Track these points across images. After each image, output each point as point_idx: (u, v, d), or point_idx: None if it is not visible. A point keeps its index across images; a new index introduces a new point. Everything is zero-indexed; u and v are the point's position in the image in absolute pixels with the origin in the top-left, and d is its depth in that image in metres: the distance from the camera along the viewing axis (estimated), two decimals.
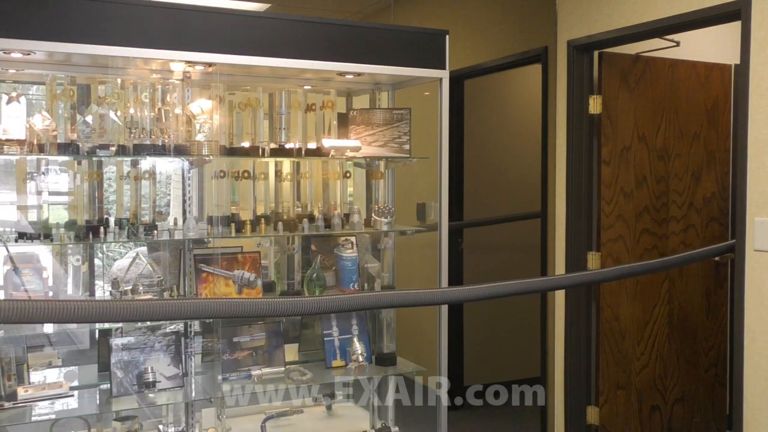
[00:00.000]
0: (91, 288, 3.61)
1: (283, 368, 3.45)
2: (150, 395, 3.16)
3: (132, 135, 3.05)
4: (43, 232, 2.96)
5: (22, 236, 2.93)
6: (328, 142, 3.44)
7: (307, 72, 3.37)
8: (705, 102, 4.21)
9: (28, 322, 1.74)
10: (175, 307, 2.23)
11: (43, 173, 3.10)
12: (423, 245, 4.21)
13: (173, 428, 3.35)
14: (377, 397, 3.80)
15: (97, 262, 4.44)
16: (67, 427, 3.09)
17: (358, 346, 3.55)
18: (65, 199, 3.19)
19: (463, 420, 5.10)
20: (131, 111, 3.11)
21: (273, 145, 3.38)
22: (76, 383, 3.22)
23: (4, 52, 2.78)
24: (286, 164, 3.53)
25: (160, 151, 3.09)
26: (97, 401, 3.21)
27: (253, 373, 3.34)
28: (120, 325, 3.14)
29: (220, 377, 3.32)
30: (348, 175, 3.65)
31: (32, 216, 3.10)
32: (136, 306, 2.04)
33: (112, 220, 3.16)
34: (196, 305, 2.32)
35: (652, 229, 4.07)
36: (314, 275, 3.50)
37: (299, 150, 3.42)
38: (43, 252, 3.11)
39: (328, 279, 3.54)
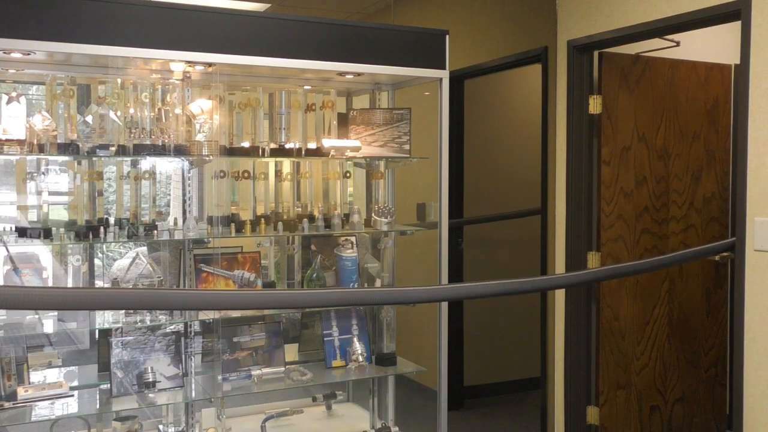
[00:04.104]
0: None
1: (283, 368, 3.45)
2: (150, 395, 3.16)
3: (132, 135, 3.06)
4: (43, 232, 2.96)
5: (22, 236, 2.93)
6: (328, 142, 3.45)
7: (307, 72, 3.37)
8: (705, 102, 4.21)
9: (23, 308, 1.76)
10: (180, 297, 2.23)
11: (43, 173, 3.10)
12: (423, 245, 4.22)
13: (173, 428, 3.36)
14: (377, 397, 3.80)
15: (97, 262, 4.43)
16: (67, 427, 3.09)
17: (358, 346, 3.55)
18: (65, 199, 3.19)
19: (463, 420, 5.10)
20: (131, 111, 3.11)
21: (273, 145, 3.38)
22: (76, 383, 3.22)
23: (4, 52, 2.78)
24: (286, 164, 3.53)
25: (160, 151, 3.10)
26: (97, 401, 3.21)
27: (253, 373, 3.35)
28: (120, 325, 3.14)
29: (220, 377, 3.32)
30: (348, 175, 3.65)
31: (32, 216, 3.10)
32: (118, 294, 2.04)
33: (112, 220, 3.16)
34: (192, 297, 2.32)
35: (652, 229, 4.07)
36: (314, 275, 3.50)
37: (299, 150, 3.42)
38: (43, 252, 3.11)
39: (328, 279, 3.55)
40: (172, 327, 3.27)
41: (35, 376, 3.14)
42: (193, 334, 3.31)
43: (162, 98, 3.20)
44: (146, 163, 3.20)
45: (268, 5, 5.52)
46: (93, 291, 1.89)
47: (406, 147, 3.60)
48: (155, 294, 2.12)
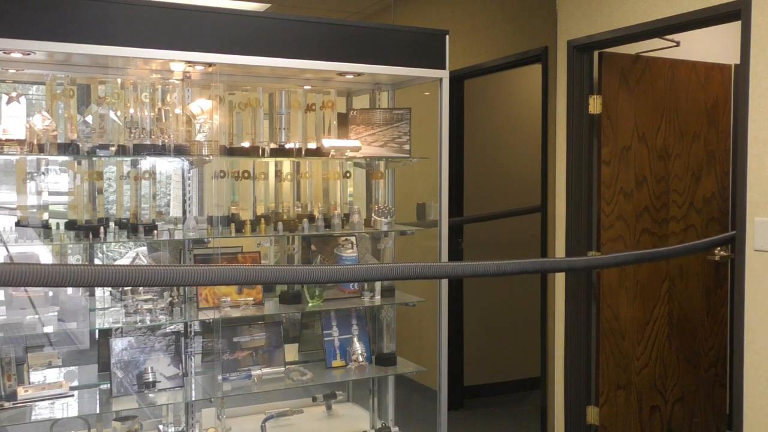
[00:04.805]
0: (90, 288, 3.60)
1: (283, 368, 3.45)
2: (150, 395, 3.16)
3: (132, 135, 3.06)
4: (43, 232, 2.96)
5: (22, 236, 2.93)
6: (328, 142, 3.45)
7: (307, 72, 3.37)
8: (705, 102, 4.21)
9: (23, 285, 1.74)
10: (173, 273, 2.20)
11: (43, 173, 3.10)
12: (423, 245, 4.22)
13: (173, 428, 3.36)
14: (377, 397, 3.80)
15: (97, 262, 4.43)
16: (67, 427, 3.09)
17: (358, 346, 3.55)
18: (65, 199, 3.19)
19: (463, 420, 5.10)
20: (131, 111, 3.11)
21: (273, 145, 3.38)
22: (76, 383, 3.22)
23: (4, 52, 2.78)
24: (286, 164, 3.53)
25: (160, 151, 3.10)
26: (97, 401, 3.21)
27: (253, 373, 3.34)
28: (120, 325, 3.14)
29: (220, 377, 3.32)
30: (348, 175, 3.65)
31: (32, 216, 3.10)
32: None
33: (112, 220, 3.16)
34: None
35: (652, 229, 4.07)
36: None
37: (299, 150, 3.42)
38: (43, 252, 3.11)
39: None
40: (172, 327, 3.27)
41: (35, 376, 3.14)
42: (193, 334, 3.31)
43: (162, 98, 3.20)
44: (146, 163, 3.20)
45: (268, 5, 5.52)
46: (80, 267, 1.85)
47: (406, 147, 3.60)
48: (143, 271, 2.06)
